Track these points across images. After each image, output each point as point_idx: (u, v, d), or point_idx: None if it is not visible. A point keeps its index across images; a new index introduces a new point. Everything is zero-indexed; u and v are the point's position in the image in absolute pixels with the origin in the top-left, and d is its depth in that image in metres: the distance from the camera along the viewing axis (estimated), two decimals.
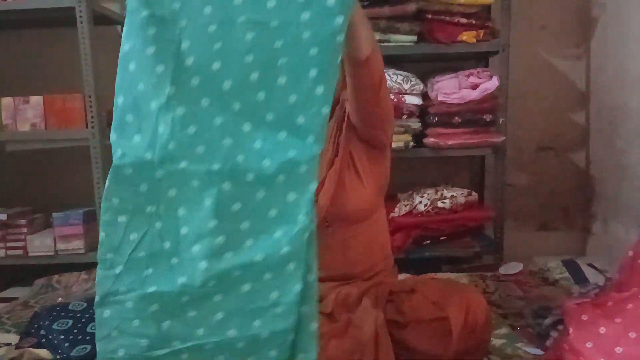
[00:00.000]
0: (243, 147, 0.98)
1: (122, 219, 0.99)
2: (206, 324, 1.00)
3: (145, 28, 0.97)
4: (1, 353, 1.58)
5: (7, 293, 2.25)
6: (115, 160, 0.98)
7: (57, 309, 1.72)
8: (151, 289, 0.99)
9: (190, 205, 0.99)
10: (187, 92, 0.97)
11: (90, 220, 2.30)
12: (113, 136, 0.99)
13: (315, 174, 0.97)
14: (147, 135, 0.97)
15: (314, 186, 0.97)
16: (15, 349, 1.58)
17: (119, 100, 0.99)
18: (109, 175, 0.98)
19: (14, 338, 1.68)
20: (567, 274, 2.06)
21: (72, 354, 1.50)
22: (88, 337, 1.56)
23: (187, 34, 0.96)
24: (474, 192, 2.24)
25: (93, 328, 1.58)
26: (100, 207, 2.15)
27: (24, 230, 2.27)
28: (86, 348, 1.52)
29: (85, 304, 1.74)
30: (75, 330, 1.59)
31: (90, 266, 2.22)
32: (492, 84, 2.09)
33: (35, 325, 1.68)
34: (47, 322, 1.64)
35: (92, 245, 2.29)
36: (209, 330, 1.00)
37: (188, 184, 0.98)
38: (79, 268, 2.23)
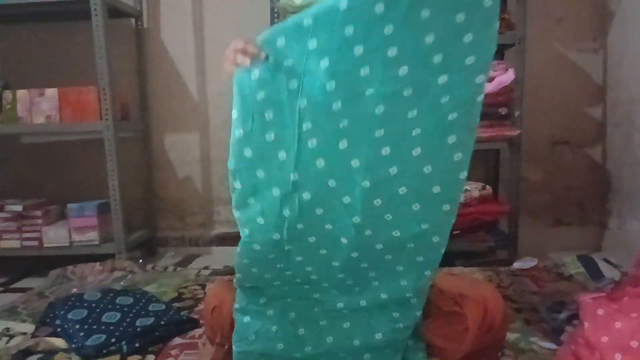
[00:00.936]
0: (372, 223, 0.99)
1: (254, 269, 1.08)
2: (335, 332, 1.15)
3: (262, 112, 0.91)
4: (17, 342, 1.60)
5: (23, 283, 2.28)
6: (243, 237, 1.04)
7: (72, 299, 1.73)
8: (290, 300, 1.13)
9: (318, 267, 1.08)
10: (312, 176, 0.94)
11: (105, 212, 2.32)
12: (237, 213, 1.02)
13: (446, 240, 1.03)
14: (273, 218, 1.00)
15: (442, 250, 1.04)
16: (31, 338, 1.59)
17: (236, 184, 0.99)
18: (239, 249, 1.06)
19: (29, 327, 1.70)
20: (582, 269, 2.03)
21: (87, 342, 1.51)
22: (103, 327, 1.57)
23: (309, 115, 0.89)
24: (488, 186, 2.22)
25: (108, 318, 1.61)
26: (114, 200, 2.20)
27: (39, 221, 2.30)
28: (101, 337, 1.53)
29: (99, 294, 1.75)
30: (90, 320, 1.61)
31: (104, 257, 2.24)
32: (508, 77, 2.07)
33: (51, 315, 1.69)
34: (63, 312, 1.65)
35: (106, 237, 2.31)
36: (337, 338, 1.15)
37: (316, 253, 1.05)
38: (94, 259, 2.24)
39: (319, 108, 0.88)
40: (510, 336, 1.50)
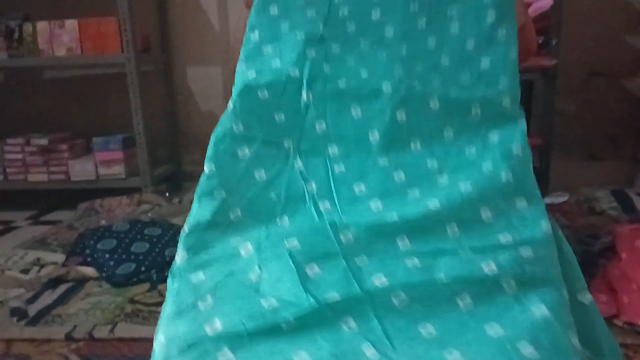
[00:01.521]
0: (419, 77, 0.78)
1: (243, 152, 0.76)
2: None
3: None
4: (48, 271, 1.63)
5: (52, 216, 2.31)
6: (246, 80, 0.79)
7: (101, 229, 1.75)
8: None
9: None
10: (343, 34, 0.81)
11: (130, 146, 2.31)
12: (241, 66, 0.81)
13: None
14: (293, 56, 0.80)
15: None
16: (62, 267, 1.62)
17: (252, 35, 0.84)
18: (234, 99, 0.78)
19: (60, 257, 1.73)
20: (615, 204, 1.98)
21: (117, 271, 1.53)
22: (132, 257, 1.59)
23: None
24: None
25: (137, 248, 1.62)
26: (138, 133, 2.19)
27: (66, 155, 2.30)
28: (130, 266, 1.55)
29: (128, 226, 1.76)
30: (120, 250, 1.62)
31: (131, 191, 2.25)
32: (546, 2, 1.96)
33: (81, 245, 1.71)
34: (92, 242, 1.67)
35: (132, 170, 2.31)
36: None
37: (347, 109, 0.78)
38: (120, 193, 2.26)
39: None
40: None
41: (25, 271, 1.65)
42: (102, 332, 1.27)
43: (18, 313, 1.36)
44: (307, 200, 0.69)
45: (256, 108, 0.76)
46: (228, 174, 0.71)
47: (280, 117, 0.76)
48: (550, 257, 0.60)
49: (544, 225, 0.62)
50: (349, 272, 0.59)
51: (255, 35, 0.84)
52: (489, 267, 0.57)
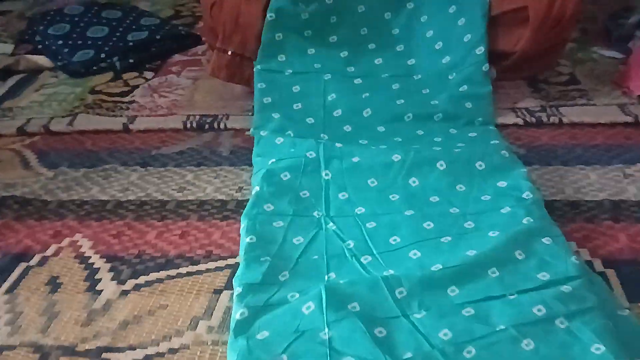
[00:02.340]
0: None
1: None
2: None
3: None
4: None
5: (1, 6, 2.00)
6: (267, 166, 0.85)
7: (51, 13, 1.49)
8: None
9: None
10: (342, 135, 0.94)
11: None
12: (258, 159, 0.89)
13: None
14: (306, 145, 0.88)
15: None
16: (10, 56, 1.39)
17: (262, 132, 0.94)
18: (259, 182, 0.82)
19: (9, 47, 1.48)
20: None
21: (73, 59, 1.31)
22: (89, 42, 1.36)
23: None
24: None
25: (94, 32, 1.38)
26: None
27: None
28: (88, 53, 1.32)
29: (82, 8, 1.49)
30: (74, 35, 1.38)
31: None
32: None
33: (30, 32, 1.47)
34: (42, 27, 1.42)
35: None
36: None
37: (364, 180, 0.84)
38: None
39: None
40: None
41: None
42: (59, 125, 1.09)
43: None
44: (349, 257, 0.70)
45: (281, 189, 0.80)
46: (269, 241, 0.72)
47: (305, 194, 0.81)
48: (588, 289, 0.62)
49: (574, 259, 0.65)
50: (415, 331, 0.59)
51: (265, 133, 0.93)
52: (538, 308, 0.59)
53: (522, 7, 0.98)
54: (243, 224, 0.74)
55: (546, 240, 0.68)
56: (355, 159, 0.86)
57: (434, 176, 0.82)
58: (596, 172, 0.88)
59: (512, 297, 0.62)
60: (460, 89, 1.00)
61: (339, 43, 1.03)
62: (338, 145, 0.88)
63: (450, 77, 1.01)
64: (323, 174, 0.84)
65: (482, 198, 0.79)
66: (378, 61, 1.04)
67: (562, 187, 0.85)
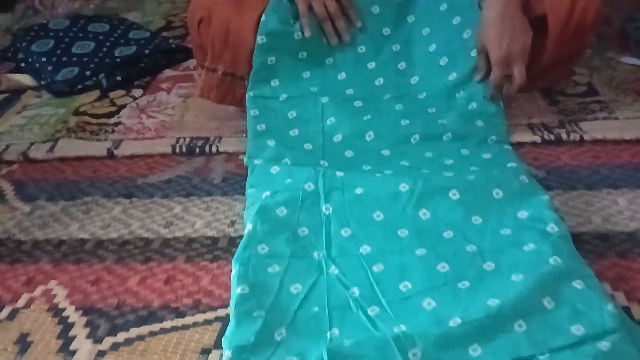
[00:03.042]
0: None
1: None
2: None
3: None
4: None
5: None
6: (261, 201, 0.76)
7: (35, 28, 1.41)
8: None
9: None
10: (343, 161, 0.86)
11: None
12: (252, 190, 0.80)
13: None
14: (304, 174, 0.80)
15: None
16: None
17: (256, 161, 0.85)
18: (252, 219, 0.73)
19: None
20: None
21: (57, 78, 1.24)
22: (74, 59, 1.28)
23: None
24: None
25: (79, 48, 1.31)
26: None
27: None
28: (73, 70, 1.25)
29: (67, 22, 1.42)
30: (59, 52, 1.31)
31: None
32: None
33: (12, 49, 1.40)
34: (25, 44, 1.35)
35: None
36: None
37: (368, 214, 0.76)
38: None
39: None
40: None
41: None
42: (39, 152, 1.02)
43: None
44: (354, 307, 0.62)
45: (277, 227, 0.72)
46: (263, 291, 0.63)
47: (303, 231, 0.73)
48: (629, 344, 0.54)
49: (611, 307, 0.56)
50: None
51: (259, 161, 0.85)
52: None
53: (539, 16, 0.90)
54: (234, 270, 0.66)
55: (577, 284, 0.60)
56: (359, 190, 0.78)
57: (446, 207, 0.74)
58: (625, 197, 0.79)
59: (543, 357, 0.54)
60: (470, 107, 0.91)
61: (336, 64, 0.95)
62: (339, 174, 0.80)
63: (457, 95, 0.92)
64: (323, 208, 0.76)
65: (502, 232, 0.70)
66: (379, 81, 0.96)
67: (589, 216, 0.76)
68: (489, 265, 0.65)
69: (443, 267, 0.65)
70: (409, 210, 0.74)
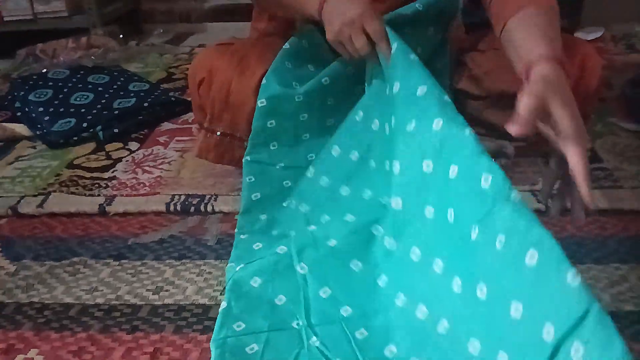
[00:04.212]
0: None
1: None
2: None
3: None
4: None
5: None
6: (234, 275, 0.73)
7: (34, 77, 1.41)
8: None
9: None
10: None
11: None
12: (231, 264, 0.77)
13: None
14: (274, 238, 0.80)
15: None
16: None
17: (242, 236, 0.82)
18: (227, 297, 0.70)
19: None
20: None
21: (52, 128, 1.22)
22: (72, 110, 1.27)
23: None
24: None
25: (78, 99, 1.29)
26: None
27: None
28: (70, 122, 1.23)
29: (67, 72, 1.42)
30: (57, 102, 1.30)
31: (75, 32, 1.86)
32: None
33: (9, 97, 1.38)
34: (23, 93, 1.34)
35: (76, 6, 1.90)
36: None
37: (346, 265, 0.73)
38: (63, 35, 1.86)
39: None
40: None
41: None
42: (29, 207, 0.99)
43: None
44: None
45: (252, 301, 0.69)
46: None
47: (280, 300, 0.69)
48: (602, 324, 0.44)
49: (571, 280, 0.45)
50: None
51: (245, 236, 0.82)
52: None
53: None
54: (212, 354, 0.62)
55: (530, 259, 0.48)
56: (332, 243, 0.74)
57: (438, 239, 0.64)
58: (635, 274, 0.77)
59: None
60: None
61: (337, 126, 0.93)
62: (311, 228, 0.77)
63: None
64: (298, 267, 0.72)
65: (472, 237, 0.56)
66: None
67: (598, 293, 0.73)
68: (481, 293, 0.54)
69: (443, 325, 0.59)
70: (385, 253, 0.71)
